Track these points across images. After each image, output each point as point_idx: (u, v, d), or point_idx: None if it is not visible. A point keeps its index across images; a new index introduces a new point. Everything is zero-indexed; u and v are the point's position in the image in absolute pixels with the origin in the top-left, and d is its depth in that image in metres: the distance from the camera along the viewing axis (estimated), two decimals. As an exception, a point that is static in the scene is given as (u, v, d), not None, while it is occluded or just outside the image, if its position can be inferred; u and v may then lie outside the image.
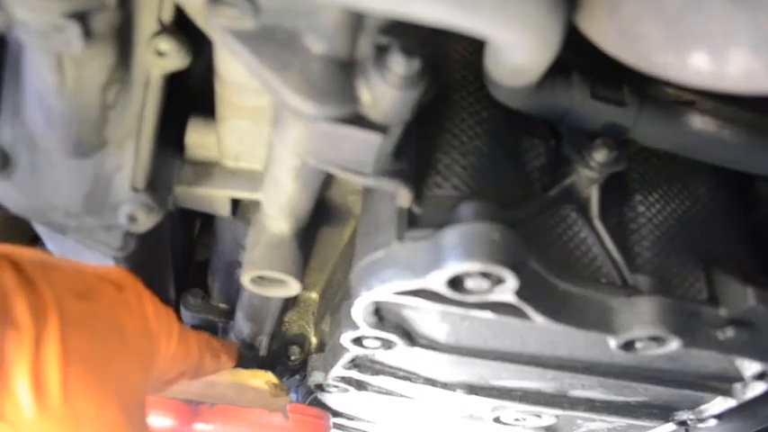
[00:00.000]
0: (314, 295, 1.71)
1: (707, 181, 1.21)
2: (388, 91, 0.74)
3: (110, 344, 1.00)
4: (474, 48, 1.07)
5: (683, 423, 1.46)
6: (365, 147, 0.83)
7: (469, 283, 0.88)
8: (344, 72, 0.77)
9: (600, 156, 0.99)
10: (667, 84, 1.06)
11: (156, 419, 1.55)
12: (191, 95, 1.14)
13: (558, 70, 0.89)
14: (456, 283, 0.88)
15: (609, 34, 0.75)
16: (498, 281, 0.87)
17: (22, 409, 0.84)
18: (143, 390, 1.08)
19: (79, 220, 1.08)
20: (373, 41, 0.74)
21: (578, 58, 0.96)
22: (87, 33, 0.80)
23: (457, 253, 0.84)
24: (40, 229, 1.16)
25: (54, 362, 0.88)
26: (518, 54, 0.74)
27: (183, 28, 0.95)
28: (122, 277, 1.11)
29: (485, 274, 0.86)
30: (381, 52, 0.73)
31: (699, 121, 1.04)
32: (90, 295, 1.01)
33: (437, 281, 0.87)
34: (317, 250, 1.45)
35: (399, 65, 0.72)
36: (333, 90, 0.76)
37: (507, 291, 0.88)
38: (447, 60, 1.05)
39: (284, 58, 0.75)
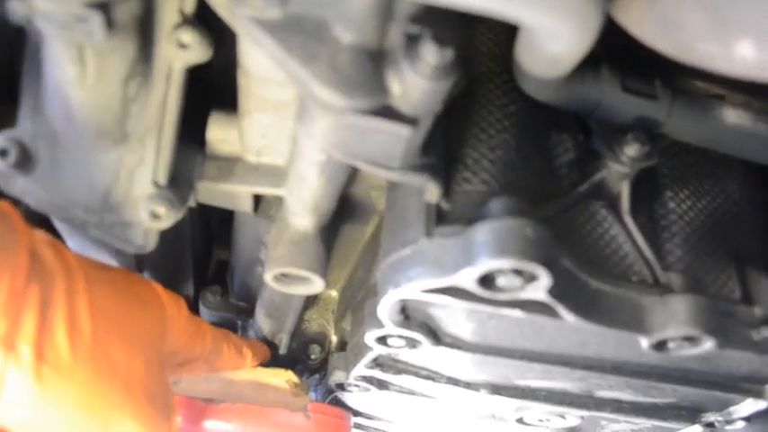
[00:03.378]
0: (334, 293, 1.69)
1: (738, 177, 1.18)
2: (418, 82, 0.72)
3: (130, 304, 1.07)
4: (500, 39, 1.05)
5: (710, 425, 1.44)
6: (394, 140, 0.81)
7: (501, 281, 0.85)
8: (374, 62, 0.74)
9: (631, 150, 0.96)
10: (697, 77, 1.03)
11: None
12: (211, 89, 1.13)
13: (588, 63, 0.87)
14: (487, 280, 0.86)
15: (647, 23, 0.73)
16: (531, 278, 0.85)
17: (60, 351, 0.90)
18: (161, 352, 1.14)
19: (100, 216, 1.07)
20: (404, 30, 0.72)
21: (606, 51, 0.93)
22: (109, 24, 0.78)
23: (489, 249, 0.82)
24: (60, 226, 1.15)
25: (84, 311, 0.95)
26: (555, 43, 0.71)
27: (203, 19, 0.94)
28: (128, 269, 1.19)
29: (517, 272, 0.83)
30: (412, 41, 0.71)
31: (732, 115, 1.01)
32: (106, 268, 1.09)
33: (468, 278, 0.85)
34: (337, 247, 1.43)
35: (431, 54, 0.69)
36: (362, 81, 0.74)
37: (540, 288, 0.86)
38: (474, 53, 1.03)
39: (312, 48, 0.73)
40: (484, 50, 1.04)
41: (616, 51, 0.94)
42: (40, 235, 0.97)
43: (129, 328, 1.04)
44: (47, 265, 0.93)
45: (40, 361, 0.88)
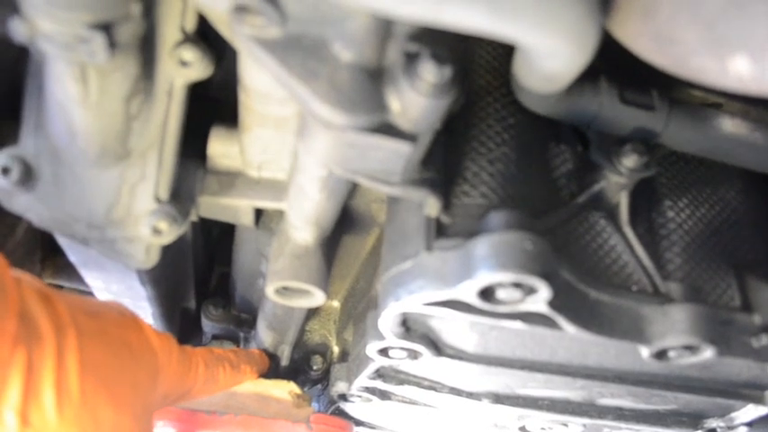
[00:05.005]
0: (335, 304, 1.70)
1: (736, 185, 1.19)
2: (418, 99, 0.73)
3: (121, 357, 1.06)
4: (498, 53, 1.06)
5: (712, 431, 1.44)
6: (394, 156, 0.81)
7: (501, 294, 0.86)
8: (373, 80, 0.75)
9: (629, 161, 0.97)
10: (694, 86, 1.04)
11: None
12: (212, 104, 1.13)
13: (586, 75, 0.87)
14: (487, 293, 0.86)
15: (643, 38, 0.73)
16: (531, 291, 0.85)
17: (45, 414, 0.90)
18: (152, 402, 1.14)
19: (102, 231, 1.07)
20: (403, 49, 0.73)
21: (604, 63, 0.94)
22: (112, 44, 0.79)
23: (489, 263, 0.82)
24: (62, 241, 1.15)
25: (74, 371, 0.94)
26: (553, 61, 0.72)
27: (203, 35, 0.94)
28: (121, 306, 1.16)
29: (517, 285, 0.84)
30: (411, 60, 0.72)
31: (729, 124, 1.02)
32: (98, 315, 1.06)
33: (468, 291, 0.86)
34: (338, 258, 1.44)
35: (430, 72, 0.70)
36: (362, 99, 0.75)
37: (540, 301, 0.87)
38: (472, 66, 1.04)
39: (312, 66, 0.74)
40: (482, 63, 1.05)
41: (614, 60, 0.94)
42: (32, 285, 0.96)
43: (118, 382, 1.03)
44: (36, 326, 0.92)
45: (24, 426, 0.88)
